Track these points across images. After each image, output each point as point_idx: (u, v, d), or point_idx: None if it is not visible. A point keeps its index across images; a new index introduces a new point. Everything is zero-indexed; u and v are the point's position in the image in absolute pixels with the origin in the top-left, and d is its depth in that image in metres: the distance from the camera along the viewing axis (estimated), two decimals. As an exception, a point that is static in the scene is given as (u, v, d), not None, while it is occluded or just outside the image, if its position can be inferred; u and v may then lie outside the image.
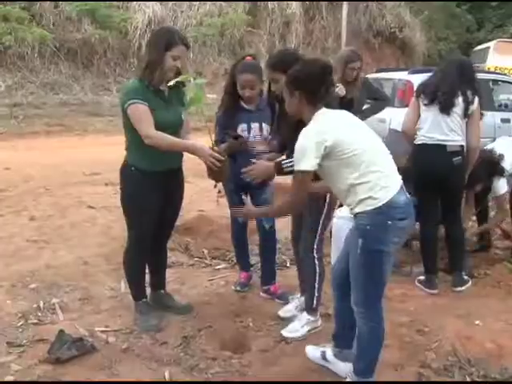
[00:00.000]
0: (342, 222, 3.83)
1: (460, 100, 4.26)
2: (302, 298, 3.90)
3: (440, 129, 4.30)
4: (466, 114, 4.29)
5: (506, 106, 9.29)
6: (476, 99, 4.31)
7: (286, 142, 3.63)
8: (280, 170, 3.39)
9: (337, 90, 4.90)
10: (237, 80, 4.01)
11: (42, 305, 4.00)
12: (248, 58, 4.13)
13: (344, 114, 3.01)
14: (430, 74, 4.59)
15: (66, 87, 16.53)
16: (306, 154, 2.76)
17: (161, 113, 3.47)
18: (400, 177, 2.89)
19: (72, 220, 5.91)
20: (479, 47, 20.15)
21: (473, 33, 27.66)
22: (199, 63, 19.73)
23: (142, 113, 3.38)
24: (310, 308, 3.73)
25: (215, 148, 3.50)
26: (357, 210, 2.78)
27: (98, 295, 4.20)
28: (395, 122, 7.93)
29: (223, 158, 3.44)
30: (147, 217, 3.63)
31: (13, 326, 3.69)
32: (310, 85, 2.89)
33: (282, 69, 3.42)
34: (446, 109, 4.27)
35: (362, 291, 2.85)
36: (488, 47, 18.74)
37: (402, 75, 8.54)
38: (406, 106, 7.89)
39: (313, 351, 3.36)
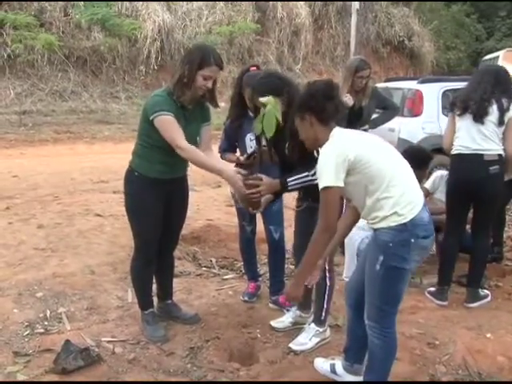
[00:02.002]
0: (353, 230, 3.78)
1: (494, 108, 4.17)
2: (298, 312, 3.91)
3: (474, 138, 4.23)
4: (502, 122, 4.19)
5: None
6: (506, 104, 4.20)
7: (286, 163, 3.58)
8: (285, 187, 3.40)
9: (345, 99, 4.88)
10: (244, 92, 4.00)
11: (48, 314, 3.98)
12: (253, 68, 4.12)
13: (360, 132, 3.04)
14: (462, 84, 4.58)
15: (74, 95, 16.61)
16: (331, 170, 2.70)
17: (181, 124, 3.45)
18: (422, 193, 2.87)
19: (79, 228, 5.89)
20: (488, 56, 20.09)
21: (482, 42, 27.69)
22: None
23: (172, 124, 3.38)
24: (318, 319, 3.69)
25: (250, 177, 3.44)
26: (380, 225, 2.73)
27: (104, 304, 4.17)
28: (404, 131, 7.92)
29: (260, 187, 3.39)
30: (151, 223, 3.61)
31: (19, 335, 3.67)
32: (318, 103, 2.85)
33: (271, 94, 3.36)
34: (478, 117, 4.20)
35: (376, 306, 2.82)
36: (497, 56, 18.69)
37: (412, 84, 8.50)
38: (416, 115, 7.97)
39: (322, 364, 3.32)
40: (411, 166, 4.58)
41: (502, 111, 4.17)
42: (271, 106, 3.17)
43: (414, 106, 8.00)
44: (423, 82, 8.37)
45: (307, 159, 3.19)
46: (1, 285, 4.41)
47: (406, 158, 4.60)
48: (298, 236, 3.82)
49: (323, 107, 2.85)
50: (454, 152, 4.38)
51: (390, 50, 24.53)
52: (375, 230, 2.79)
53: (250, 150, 4.10)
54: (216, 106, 3.69)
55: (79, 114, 15.37)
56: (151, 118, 3.38)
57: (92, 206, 6.81)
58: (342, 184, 2.71)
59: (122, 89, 17.75)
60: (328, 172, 2.70)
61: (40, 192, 7.58)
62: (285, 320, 3.92)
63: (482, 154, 4.20)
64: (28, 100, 15.52)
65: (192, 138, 3.53)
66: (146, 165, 3.55)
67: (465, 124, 4.28)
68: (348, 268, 4.62)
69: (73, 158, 10.37)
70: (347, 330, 3.21)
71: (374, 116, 5.43)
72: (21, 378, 3.16)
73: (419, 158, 4.57)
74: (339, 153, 2.71)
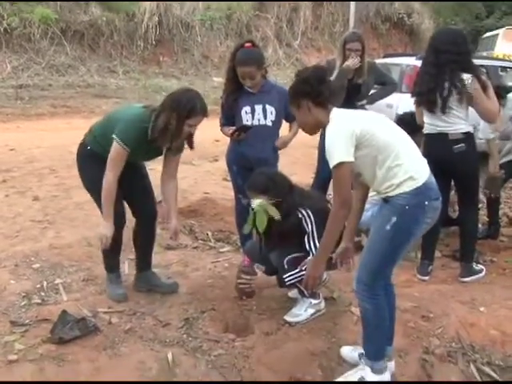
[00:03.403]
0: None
1: (448, 95, 4.04)
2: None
3: (438, 120, 4.19)
4: (461, 102, 4.07)
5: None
6: (459, 83, 4.02)
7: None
8: (282, 285, 3.65)
9: (347, 62, 4.84)
10: (237, 70, 4.00)
11: (45, 285, 4.00)
12: (247, 44, 4.10)
13: (357, 111, 3.06)
14: None
15: (71, 69, 16.52)
16: (340, 146, 2.70)
17: (137, 151, 3.56)
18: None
19: (76, 201, 5.89)
20: (488, 34, 20.03)
21: (482, 20, 27.47)
22: (206, 47, 19.68)
23: (120, 158, 3.51)
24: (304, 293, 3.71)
25: (245, 270, 3.83)
26: (396, 192, 2.74)
27: (101, 276, 4.16)
28: (402, 107, 7.87)
29: (252, 281, 3.81)
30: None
31: (16, 305, 3.69)
32: (312, 87, 2.85)
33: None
34: (432, 110, 4.15)
35: (372, 267, 2.83)
36: (497, 34, 18.62)
37: (410, 60, 8.46)
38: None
39: (350, 353, 3.24)
40: (406, 132, 4.61)
41: (456, 93, 4.04)
42: (260, 207, 3.43)
43: (412, 82, 7.94)
44: (422, 58, 8.27)
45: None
46: (-2, 256, 4.43)
47: (400, 124, 4.64)
48: None
49: (319, 90, 2.85)
50: (424, 131, 4.39)
51: (389, 27, 24.37)
52: (390, 197, 2.78)
53: (245, 123, 4.12)
54: (192, 148, 3.77)
55: (76, 89, 15.29)
56: (113, 137, 3.47)
57: (89, 180, 6.79)
58: (352, 159, 2.71)
59: (120, 63, 17.65)
60: (338, 149, 2.71)
61: (37, 165, 7.58)
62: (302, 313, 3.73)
63: (446, 134, 4.19)
64: (24, 74, 15.43)
65: (149, 158, 3.84)
66: (100, 146, 3.65)
67: (425, 111, 4.26)
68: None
69: (70, 132, 10.28)
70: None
71: (372, 91, 5.40)
72: (18, 346, 3.17)
73: (414, 123, 4.57)
74: (345, 130, 2.72)
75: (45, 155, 8.23)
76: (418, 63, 8.02)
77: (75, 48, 17.00)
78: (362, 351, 3.10)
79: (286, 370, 3.11)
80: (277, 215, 3.40)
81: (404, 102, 7.73)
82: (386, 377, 2.97)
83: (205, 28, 19.62)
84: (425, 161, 2.89)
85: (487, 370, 3.23)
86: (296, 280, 3.52)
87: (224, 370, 3.09)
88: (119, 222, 3.72)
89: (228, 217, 5.52)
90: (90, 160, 3.72)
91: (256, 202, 3.47)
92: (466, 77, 4.02)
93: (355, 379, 2.96)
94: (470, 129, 4.20)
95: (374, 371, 2.93)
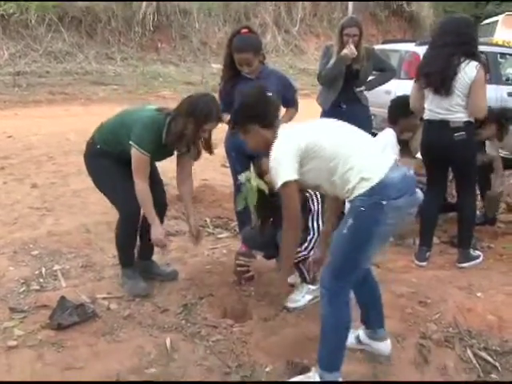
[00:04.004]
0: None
1: (456, 77, 4.07)
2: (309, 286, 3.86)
3: (441, 106, 4.20)
4: (466, 89, 4.08)
5: (508, 79, 9.18)
6: (467, 69, 4.06)
7: None
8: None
9: (345, 51, 4.82)
10: (234, 57, 3.99)
11: (44, 271, 4.01)
12: (244, 30, 4.08)
13: (303, 122, 2.94)
14: None
15: (69, 56, 16.48)
16: (284, 164, 2.71)
17: (153, 156, 3.60)
18: (393, 154, 2.84)
19: (74, 188, 5.90)
20: (487, 21, 19.97)
21: (481, 6, 27.36)
22: (204, 33, 19.62)
23: (144, 164, 3.55)
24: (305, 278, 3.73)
25: (243, 253, 3.82)
26: (353, 195, 2.64)
27: (99, 262, 4.20)
28: (400, 93, 7.87)
29: (251, 264, 3.69)
30: (123, 190, 3.63)
31: (15, 292, 3.70)
32: (257, 112, 2.88)
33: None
34: (440, 91, 4.15)
35: (332, 269, 2.74)
36: (496, 21, 18.56)
37: (409, 47, 8.42)
38: (412, 77, 7.85)
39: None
40: (400, 115, 4.59)
41: (461, 80, 4.08)
42: (248, 180, 3.43)
43: (411, 69, 7.90)
44: (421, 44, 8.25)
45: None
46: (-4, 243, 4.44)
47: (394, 107, 4.62)
48: None
49: (265, 113, 2.89)
50: (424, 117, 4.38)
51: (388, 14, 24.30)
52: (350, 202, 2.71)
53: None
54: (211, 153, 3.79)
55: (74, 76, 15.26)
56: (131, 143, 3.48)
57: (87, 167, 6.80)
58: (297, 176, 2.71)
59: (118, 50, 17.60)
60: (283, 168, 2.70)
61: (35, 152, 7.58)
62: (300, 299, 3.76)
63: (447, 121, 4.19)
64: (22, 61, 15.39)
65: (159, 160, 3.82)
66: (111, 146, 3.67)
67: (430, 94, 4.24)
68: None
69: (68, 119, 10.33)
70: (357, 302, 3.14)
71: (371, 78, 5.39)
72: (17, 332, 3.19)
73: (406, 106, 4.57)
74: (289, 147, 2.71)
75: (42, 142, 8.23)
76: (417, 49, 8.06)
77: (73, 35, 16.95)
78: (358, 333, 3.15)
79: (283, 355, 3.11)
80: (265, 188, 3.37)
81: (402, 88, 7.68)
82: None
83: (203, 14, 19.55)
84: (383, 158, 2.74)
85: (484, 354, 3.24)
86: (296, 260, 3.53)
87: (222, 355, 3.10)
88: (133, 217, 3.71)
89: (226, 203, 5.53)
90: (101, 158, 3.70)
91: (243, 176, 3.46)
92: (474, 63, 4.06)
93: None
94: (470, 118, 4.21)
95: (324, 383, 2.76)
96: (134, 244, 3.89)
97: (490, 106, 4.73)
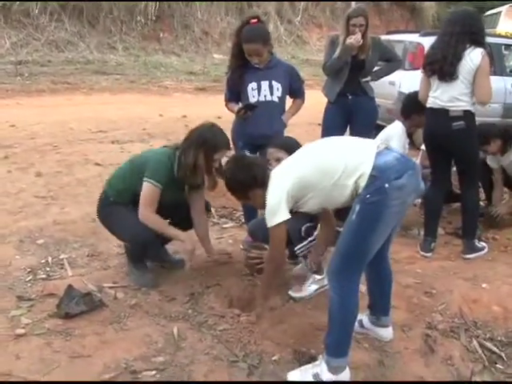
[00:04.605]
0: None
1: (460, 65, 4.10)
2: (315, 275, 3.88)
3: (443, 94, 4.22)
4: (470, 76, 4.12)
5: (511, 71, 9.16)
6: (471, 55, 4.09)
7: None
8: (294, 256, 3.72)
9: (350, 40, 4.80)
10: (243, 47, 3.99)
11: (50, 260, 4.02)
12: (253, 20, 4.07)
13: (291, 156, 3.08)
14: None
15: (71, 45, 16.43)
16: (276, 208, 2.88)
17: (164, 193, 3.60)
18: (377, 141, 2.92)
19: (79, 177, 5.92)
20: (490, 12, 19.83)
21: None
22: (206, 23, 19.54)
23: (153, 196, 3.57)
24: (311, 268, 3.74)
25: (254, 245, 3.82)
26: (358, 193, 2.69)
27: (105, 252, 4.21)
28: (405, 84, 7.87)
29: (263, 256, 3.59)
30: (131, 221, 3.61)
31: (22, 280, 3.71)
32: (255, 179, 3.05)
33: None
34: (443, 78, 4.17)
35: (341, 257, 2.75)
36: (499, 12, 18.46)
37: (413, 37, 8.40)
38: (417, 68, 7.83)
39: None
40: (414, 111, 4.61)
41: (466, 66, 4.10)
42: None
43: (415, 60, 7.91)
44: (425, 35, 8.24)
45: None
46: (2, 232, 4.47)
47: (409, 102, 4.63)
48: None
49: (254, 178, 3.06)
50: (427, 105, 4.40)
51: (391, 4, 24.19)
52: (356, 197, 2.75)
53: (251, 100, 4.11)
54: (224, 178, 3.75)
55: (76, 65, 15.21)
56: (144, 179, 3.54)
57: (91, 156, 6.83)
58: (288, 215, 2.90)
59: (120, 39, 17.54)
60: (277, 210, 2.88)
61: (38, 141, 7.58)
62: (307, 288, 3.78)
63: (447, 110, 4.21)
64: (24, 50, 15.34)
65: (178, 198, 3.78)
66: (123, 197, 3.72)
67: (435, 83, 4.27)
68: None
69: (71, 109, 10.31)
70: (367, 288, 3.20)
71: (377, 68, 5.37)
72: (25, 321, 3.20)
73: (419, 103, 4.58)
74: (279, 191, 2.87)
75: (46, 131, 8.23)
76: (422, 40, 8.04)
77: (74, 24, 16.88)
78: (362, 318, 3.18)
79: (290, 344, 3.14)
80: None
81: (407, 79, 7.74)
82: (344, 377, 2.80)
83: (205, 3, 19.46)
84: (364, 150, 2.79)
85: (489, 345, 3.26)
86: (307, 251, 3.57)
87: (229, 344, 3.11)
88: (139, 241, 3.68)
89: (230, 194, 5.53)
90: (114, 206, 3.73)
91: None
92: (479, 49, 4.08)
93: (310, 375, 2.82)
94: (471, 107, 4.21)
95: (331, 369, 2.77)
96: (145, 254, 3.88)
97: (494, 124, 4.83)
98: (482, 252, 4.49)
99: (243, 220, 5.02)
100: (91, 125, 8.79)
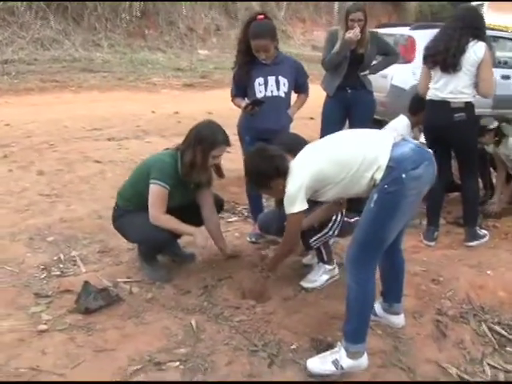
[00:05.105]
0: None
1: (462, 57, 4.21)
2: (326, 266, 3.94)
3: (445, 86, 4.32)
4: (472, 68, 4.24)
5: (506, 62, 9.28)
6: (475, 48, 4.21)
7: None
8: (309, 247, 3.75)
9: (349, 34, 4.87)
10: (251, 43, 4.04)
11: (62, 257, 4.06)
12: (260, 16, 4.12)
13: (308, 147, 3.15)
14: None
15: (56, 43, 16.30)
16: (295, 197, 2.97)
17: (173, 195, 3.66)
18: (393, 131, 3.00)
19: (81, 174, 5.94)
20: (473, 3, 19.97)
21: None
22: (191, 19, 19.51)
23: (161, 196, 3.62)
24: (322, 259, 3.84)
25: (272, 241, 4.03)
26: (377, 183, 2.77)
27: (116, 247, 4.25)
28: (397, 78, 7.96)
29: None
30: (142, 221, 3.66)
31: (37, 278, 3.75)
32: (270, 171, 3.13)
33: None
34: (446, 69, 4.27)
35: (358, 246, 2.83)
36: (482, 4, 18.61)
37: (404, 31, 8.47)
38: (408, 61, 7.96)
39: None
40: (421, 109, 4.71)
41: (470, 59, 4.21)
42: None
43: (407, 53, 7.98)
44: (416, 28, 8.33)
45: None
46: (11, 230, 4.49)
47: (418, 100, 4.74)
48: None
49: (277, 169, 3.12)
50: (427, 98, 4.50)
51: (374, -3, 24.30)
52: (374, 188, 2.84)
53: (258, 95, 4.16)
54: (222, 176, 3.94)
55: (62, 63, 15.09)
56: (151, 181, 3.60)
57: (90, 153, 6.84)
58: (306, 206, 3.01)
59: (105, 37, 17.42)
60: (295, 200, 2.98)
61: (35, 140, 7.56)
62: (318, 279, 3.84)
63: (448, 102, 4.31)
64: (9, 49, 15.19)
65: (188, 199, 3.85)
66: (134, 209, 3.76)
67: (437, 74, 4.36)
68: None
69: (61, 107, 10.29)
70: (380, 276, 3.26)
71: (374, 62, 5.44)
72: (45, 317, 3.25)
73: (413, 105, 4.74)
74: (299, 182, 2.96)
75: (41, 130, 8.20)
76: (412, 33, 8.13)
77: (59, 21, 16.75)
78: (374, 306, 3.22)
79: (307, 333, 3.22)
80: None
81: (398, 72, 7.82)
82: (363, 363, 2.89)
83: (189, 0, 19.42)
84: (380, 138, 2.90)
85: (498, 328, 3.38)
86: (321, 242, 3.66)
87: (247, 334, 3.18)
88: (160, 243, 3.77)
89: (233, 187, 5.60)
90: (127, 215, 3.79)
91: None
92: (482, 43, 4.21)
93: (329, 362, 2.89)
94: (472, 99, 4.31)
95: (350, 355, 2.84)
96: (157, 253, 3.96)
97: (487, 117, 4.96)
98: (484, 239, 4.60)
99: (246, 214, 5.08)
100: (85, 123, 8.78)
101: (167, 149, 3.88)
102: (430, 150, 2.92)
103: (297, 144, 3.48)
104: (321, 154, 2.99)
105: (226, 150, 3.75)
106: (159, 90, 13.33)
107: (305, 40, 22.91)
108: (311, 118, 8.84)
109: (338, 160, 2.89)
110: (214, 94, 13.00)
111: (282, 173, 3.09)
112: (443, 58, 4.23)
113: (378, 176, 2.74)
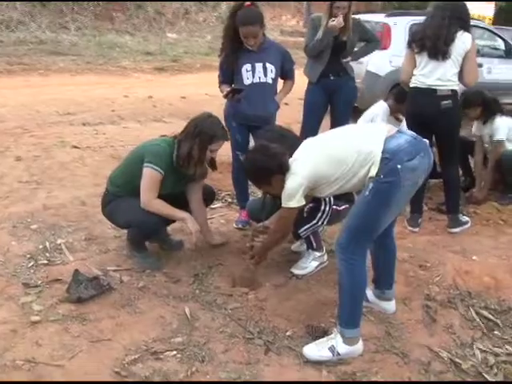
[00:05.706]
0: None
1: (450, 44, 4.23)
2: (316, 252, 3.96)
3: (431, 73, 4.34)
4: (459, 57, 4.28)
5: (478, 51, 9.39)
6: (463, 38, 4.23)
7: None
8: (298, 237, 3.77)
9: (332, 22, 4.86)
10: (239, 30, 4.02)
11: (48, 245, 3.99)
12: (247, 3, 4.08)
13: (306, 144, 3.19)
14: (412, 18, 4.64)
15: (22, 25, 16.00)
16: (294, 193, 3.03)
17: (165, 182, 3.64)
18: (387, 126, 3.05)
19: (60, 160, 5.85)
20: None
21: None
22: (159, 2, 19.26)
23: (154, 180, 3.58)
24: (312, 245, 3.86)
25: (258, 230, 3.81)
26: (371, 176, 2.80)
27: (102, 235, 4.20)
28: (372, 64, 8.05)
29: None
30: (133, 206, 3.63)
31: (24, 267, 3.68)
32: (271, 166, 3.13)
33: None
34: (434, 55, 4.29)
35: (351, 229, 2.86)
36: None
37: (379, 18, 8.54)
38: (383, 48, 8.01)
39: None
40: (397, 102, 4.75)
41: (458, 48, 4.24)
42: None
43: (382, 40, 7.95)
44: (391, 15, 8.41)
45: None
46: (-7, 218, 4.39)
47: (404, 92, 4.73)
48: None
49: (280, 166, 3.12)
50: (411, 85, 4.52)
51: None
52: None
53: (246, 81, 4.15)
54: (215, 169, 3.90)
55: (29, 45, 14.79)
56: (145, 165, 3.57)
57: (67, 138, 6.74)
58: (303, 202, 3.09)
59: (72, 19, 17.13)
60: (293, 197, 3.04)
61: (8, 124, 7.39)
62: (308, 265, 3.86)
63: (435, 89, 4.34)
64: (-28, 30, 14.86)
65: (178, 189, 3.82)
66: (125, 194, 3.73)
67: (424, 60, 4.37)
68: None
69: (31, 90, 10.07)
70: (372, 263, 3.32)
71: (356, 49, 5.46)
72: (37, 308, 3.20)
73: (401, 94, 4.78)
74: (299, 179, 3.01)
75: (13, 114, 8.02)
76: (387, 20, 8.19)
77: (24, 3, 16.40)
78: (366, 292, 3.23)
79: (301, 319, 3.24)
80: None
81: (374, 58, 7.84)
82: (358, 349, 2.95)
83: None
84: (373, 133, 2.94)
85: (485, 313, 3.45)
86: (311, 232, 3.67)
87: (242, 321, 3.20)
88: (150, 228, 3.71)
89: (214, 175, 5.55)
90: (117, 200, 3.76)
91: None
92: (469, 34, 4.25)
93: (326, 348, 2.92)
94: (457, 87, 4.36)
95: (346, 341, 2.90)
96: (146, 240, 3.92)
97: (482, 92, 5.02)
98: (466, 226, 4.68)
99: (229, 200, 5.08)
100: (57, 107, 8.61)
101: (164, 135, 3.85)
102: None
103: (287, 139, 3.51)
104: (320, 152, 3.03)
105: (222, 144, 3.73)
106: (130, 74, 13.15)
107: (274, 25, 22.83)
108: (286, 104, 8.81)
109: (336, 157, 2.93)
110: (185, 78, 12.92)
111: (285, 169, 3.10)
112: (432, 43, 4.25)
113: (373, 171, 2.77)
